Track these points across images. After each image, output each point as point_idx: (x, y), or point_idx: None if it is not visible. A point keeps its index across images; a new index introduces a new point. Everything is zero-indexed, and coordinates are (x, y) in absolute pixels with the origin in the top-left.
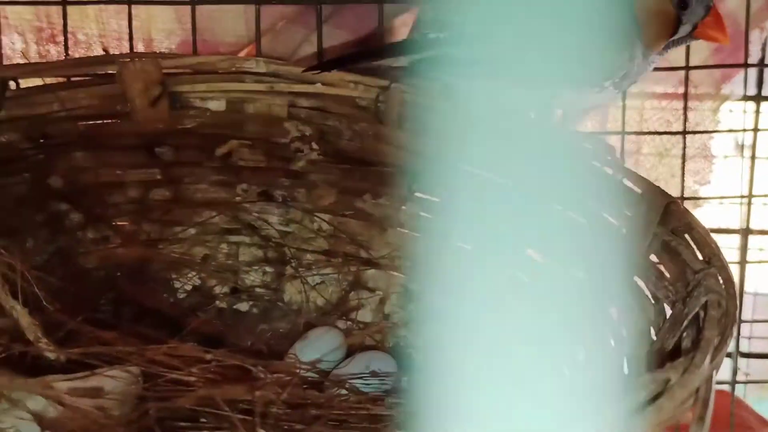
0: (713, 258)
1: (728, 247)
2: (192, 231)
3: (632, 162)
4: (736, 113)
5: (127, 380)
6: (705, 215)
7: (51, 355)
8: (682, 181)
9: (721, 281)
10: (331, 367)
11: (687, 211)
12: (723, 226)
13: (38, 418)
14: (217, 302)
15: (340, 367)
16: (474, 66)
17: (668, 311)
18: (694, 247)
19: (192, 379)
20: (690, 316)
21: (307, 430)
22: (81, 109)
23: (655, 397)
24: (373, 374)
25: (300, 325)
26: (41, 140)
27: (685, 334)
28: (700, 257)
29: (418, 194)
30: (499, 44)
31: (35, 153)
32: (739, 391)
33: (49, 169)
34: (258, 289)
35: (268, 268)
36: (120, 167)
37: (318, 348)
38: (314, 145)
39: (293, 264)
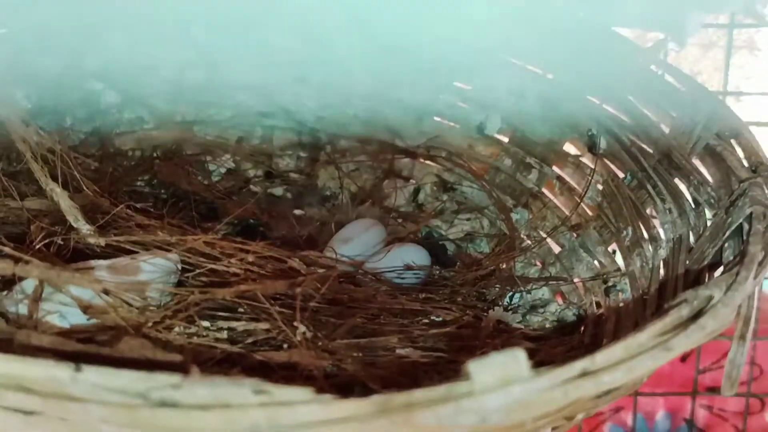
0: (760, 167)
1: None
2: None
3: (674, 55)
4: None
5: (166, 268)
6: (746, 109)
7: (91, 240)
8: (726, 75)
9: (767, 192)
10: (366, 259)
11: (735, 115)
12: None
13: (81, 304)
14: (251, 186)
15: (375, 260)
16: None
17: (709, 217)
18: (741, 153)
19: (231, 269)
20: (733, 227)
21: (343, 324)
22: None
23: (697, 315)
24: (408, 267)
25: (335, 213)
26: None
27: (726, 245)
28: (746, 165)
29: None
30: None
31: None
32: None
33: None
34: (292, 174)
35: (302, 153)
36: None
37: (358, 242)
38: None
39: (327, 149)
